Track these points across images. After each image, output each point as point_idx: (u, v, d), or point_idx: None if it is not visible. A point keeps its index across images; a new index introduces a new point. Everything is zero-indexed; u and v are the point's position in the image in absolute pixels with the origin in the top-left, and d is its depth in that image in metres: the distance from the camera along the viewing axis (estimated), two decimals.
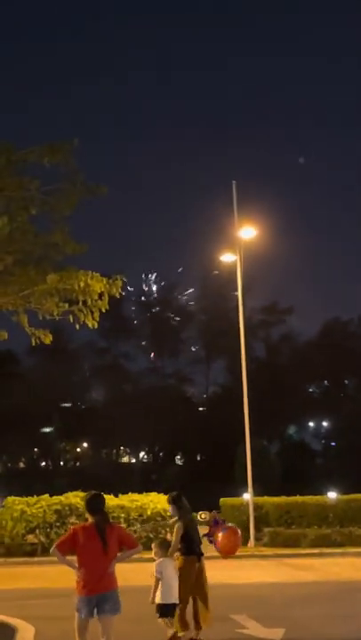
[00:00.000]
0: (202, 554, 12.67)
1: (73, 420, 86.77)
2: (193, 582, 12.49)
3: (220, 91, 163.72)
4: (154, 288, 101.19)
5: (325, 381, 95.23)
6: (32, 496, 26.29)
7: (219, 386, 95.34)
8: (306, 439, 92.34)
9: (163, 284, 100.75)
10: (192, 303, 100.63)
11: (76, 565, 9.33)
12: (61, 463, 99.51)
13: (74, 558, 9.52)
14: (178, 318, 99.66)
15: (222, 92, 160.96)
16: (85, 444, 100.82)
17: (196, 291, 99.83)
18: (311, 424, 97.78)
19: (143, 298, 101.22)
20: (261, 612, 14.29)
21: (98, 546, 9.08)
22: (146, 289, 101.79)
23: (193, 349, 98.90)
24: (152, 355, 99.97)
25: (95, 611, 9.20)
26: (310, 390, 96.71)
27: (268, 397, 64.80)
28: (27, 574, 20.72)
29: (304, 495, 28.87)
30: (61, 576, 20.14)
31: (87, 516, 9.66)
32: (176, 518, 12.41)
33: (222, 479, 63.46)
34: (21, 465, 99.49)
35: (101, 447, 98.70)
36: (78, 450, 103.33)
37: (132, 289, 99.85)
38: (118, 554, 9.42)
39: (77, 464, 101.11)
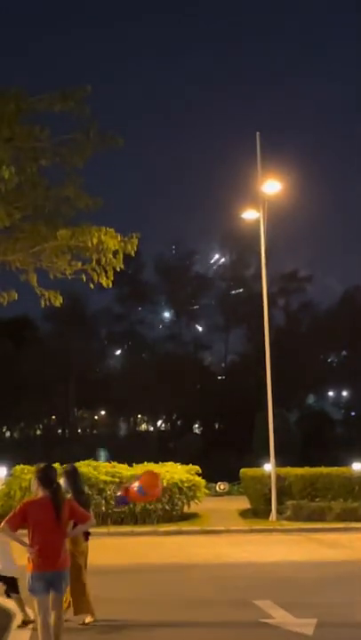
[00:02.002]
0: (89, 534, 11.28)
1: (90, 388, 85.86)
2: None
3: (248, 36, 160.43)
4: (173, 252, 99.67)
5: (345, 350, 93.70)
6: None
7: (237, 354, 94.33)
8: (325, 408, 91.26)
9: (181, 249, 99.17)
10: (218, 263, 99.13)
11: (27, 542, 8.73)
12: (78, 431, 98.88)
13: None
14: (196, 284, 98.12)
15: (250, 38, 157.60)
16: (103, 412, 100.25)
17: (215, 257, 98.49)
18: (331, 393, 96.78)
19: (160, 260, 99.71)
20: (288, 598, 12.80)
21: (52, 521, 8.54)
22: (164, 254, 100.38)
23: (213, 317, 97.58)
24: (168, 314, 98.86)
25: (49, 588, 8.64)
26: (330, 360, 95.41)
27: (287, 366, 63.68)
28: None
29: (324, 465, 27.54)
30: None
31: (36, 489, 8.97)
32: (70, 495, 10.96)
33: (241, 448, 62.54)
34: (38, 432, 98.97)
35: (118, 415, 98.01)
36: (95, 417, 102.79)
37: (150, 253, 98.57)
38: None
39: (94, 432, 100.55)
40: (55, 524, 8.58)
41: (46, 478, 8.96)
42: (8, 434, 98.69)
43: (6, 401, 78.68)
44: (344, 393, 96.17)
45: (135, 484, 13.02)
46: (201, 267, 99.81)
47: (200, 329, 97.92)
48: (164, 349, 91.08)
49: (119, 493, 14.82)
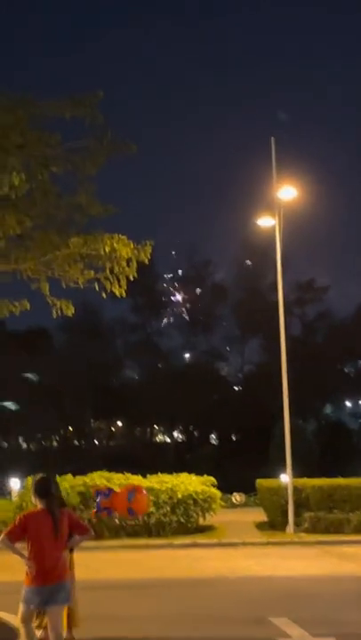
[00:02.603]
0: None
1: (106, 398, 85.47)
2: None
3: (262, 41, 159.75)
4: (186, 263, 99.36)
5: None
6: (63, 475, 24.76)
7: (254, 364, 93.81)
8: (342, 418, 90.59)
9: (196, 259, 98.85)
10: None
11: (26, 555, 8.55)
12: (95, 442, 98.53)
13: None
14: (212, 295, 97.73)
15: (266, 43, 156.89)
16: (119, 423, 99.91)
17: (230, 267, 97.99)
18: (348, 403, 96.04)
19: (179, 272, 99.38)
20: (306, 614, 12.32)
21: (49, 533, 8.39)
22: (179, 264, 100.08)
23: (227, 327, 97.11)
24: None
25: (46, 602, 8.46)
26: (347, 369, 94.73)
27: (303, 376, 63.19)
28: None
29: (343, 476, 27.08)
30: (79, 565, 18.47)
31: (35, 501, 8.87)
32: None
33: (257, 459, 62.08)
34: (54, 444, 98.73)
35: (135, 426, 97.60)
36: (112, 429, 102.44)
37: (165, 262, 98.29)
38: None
39: (111, 443, 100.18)
40: (53, 536, 8.41)
41: (42, 489, 8.83)
42: (24, 445, 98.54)
43: (22, 412, 78.60)
44: None
45: (125, 497, 12.63)
46: (216, 277, 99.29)
47: (216, 339, 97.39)
48: (180, 360, 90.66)
49: (99, 499, 14.34)
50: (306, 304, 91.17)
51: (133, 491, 16.24)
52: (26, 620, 8.61)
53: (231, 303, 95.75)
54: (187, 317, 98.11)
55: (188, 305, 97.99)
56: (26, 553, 8.58)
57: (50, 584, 8.36)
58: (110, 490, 14.59)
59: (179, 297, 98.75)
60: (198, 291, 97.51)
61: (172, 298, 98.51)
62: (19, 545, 8.71)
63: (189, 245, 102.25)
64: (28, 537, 8.53)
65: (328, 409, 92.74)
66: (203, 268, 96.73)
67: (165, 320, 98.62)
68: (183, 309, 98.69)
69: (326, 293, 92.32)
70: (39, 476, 9.13)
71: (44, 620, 9.59)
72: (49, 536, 8.38)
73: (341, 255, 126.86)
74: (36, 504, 8.83)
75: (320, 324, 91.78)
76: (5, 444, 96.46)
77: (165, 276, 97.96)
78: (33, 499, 8.90)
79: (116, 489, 23.38)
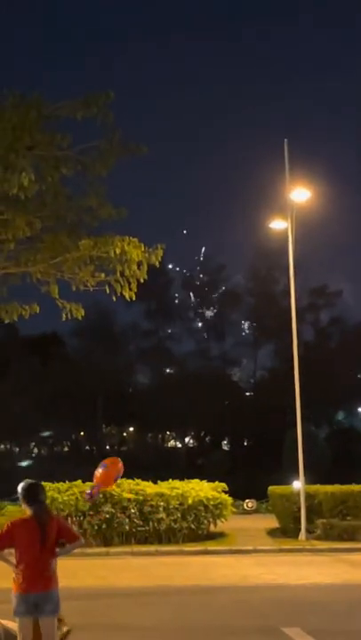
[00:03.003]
0: None
1: (118, 404, 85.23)
2: None
3: (275, 41, 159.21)
4: (203, 265, 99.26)
5: None
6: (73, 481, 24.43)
7: (266, 370, 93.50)
8: (355, 425, 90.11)
9: (210, 264, 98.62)
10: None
11: (14, 562, 8.28)
12: (107, 447, 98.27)
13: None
14: (225, 300, 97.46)
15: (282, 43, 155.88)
16: (131, 428, 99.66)
17: (243, 272, 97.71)
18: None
19: (188, 276, 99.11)
20: (319, 625, 11.96)
21: (37, 540, 8.16)
22: (192, 269, 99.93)
23: (242, 332, 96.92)
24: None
25: (32, 611, 8.21)
26: (360, 375, 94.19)
27: (316, 382, 62.85)
28: None
29: (355, 482, 26.63)
30: (89, 572, 18.32)
31: (24, 507, 8.60)
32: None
33: (270, 465, 61.76)
34: (66, 449, 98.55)
35: (147, 431, 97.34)
36: (124, 434, 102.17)
37: (178, 269, 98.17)
38: (57, 549, 8.48)
39: (123, 448, 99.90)
40: (40, 544, 8.19)
41: (29, 496, 8.56)
42: (36, 450, 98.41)
43: (35, 418, 78.42)
44: None
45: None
46: (229, 282, 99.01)
47: (229, 345, 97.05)
48: (193, 365, 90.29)
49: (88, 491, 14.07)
50: (319, 310, 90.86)
51: (118, 476, 15.75)
52: (23, 633, 8.34)
53: (244, 309, 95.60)
54: (199, 323, 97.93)
55: (200, 310, 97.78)
56: (14, 560, 8.36)
57: (35, 592, 8.14)
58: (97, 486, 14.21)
59: (191, 302, 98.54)
60: (211, 296, 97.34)
61: (185, 303, 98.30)
62: (6, 552, 8.49)
63: (201, 249, 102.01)
64: (15, 544, 8.33)
65: (340, 415, 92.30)
66: (216, 274, 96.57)
67: (178, 325, 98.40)
68: (196, 315, 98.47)
69: (339, 298, 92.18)
70: (27, 481, 8.83)
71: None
72: (36, 544, 8.18)
73: (355, 259, 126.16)
74: (25, 510, 8.58)
75: (333, 329, 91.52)
76: (17, 450, 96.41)
77: (178, 280, 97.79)
78: (22, 505, 8.65)
79: (125, 495, 23.15)
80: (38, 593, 8.09)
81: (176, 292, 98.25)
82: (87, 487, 21.55)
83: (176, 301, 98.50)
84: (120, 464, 12.46)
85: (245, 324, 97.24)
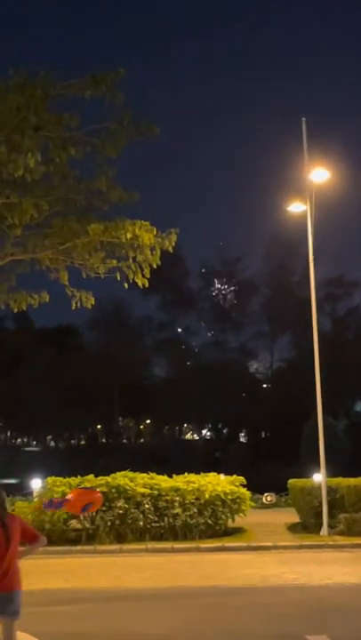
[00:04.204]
0: None
1: (134, 396, 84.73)
2: None
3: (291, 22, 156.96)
4: (220, 255, 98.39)
5: None
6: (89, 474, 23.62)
7: (284, 361, 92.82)
8: None
9: (227, 255, 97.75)
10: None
11: None
12: (124, 440, 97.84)
13: None
14: (242, 291, 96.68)
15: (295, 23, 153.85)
16: (148, 421, 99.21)
17: (260, 262, 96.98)
18: None
19: (204, 267, 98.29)
20: (347, 631, 10.95)
21: (2, 541, 7.75)
22: (207, 259, 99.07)
23: (258, 323, 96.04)
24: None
25: None
26: None
27: (334, 373, 62.09)
28: (65, 568, 17.86)
29: None
30: (101, 572, 17.51)
31: None
32: None
33: (288, 457, 61.13)
34: (82, 442, 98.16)
35: (164, 424, 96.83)
36: (141, 427, 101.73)
37: (193, 257, 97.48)
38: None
39: (141, 441, 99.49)
40: (4, 545, 7.72)
41: None
42: (52, 444, 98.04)
43: (51, 410, 78.00)
44: None
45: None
46: (245, 274, 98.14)
47: (246, 336, 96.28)
48: (210, 357, 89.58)
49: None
50: (336, 300, 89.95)
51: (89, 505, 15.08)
52: None
53: (261, 299, 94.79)
54: (216, 314, 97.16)
55: (217, 301, 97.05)
56: None
57: None
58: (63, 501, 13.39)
59: (208, 293, 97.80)
60: (228, 287, 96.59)
61: (201, 294, 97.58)
62: None
63: (218, 238, 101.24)
64: None
65: (359, 406, 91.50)
66: (233, 265, 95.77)
67: (194, 317, 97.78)
68: (212, 306, 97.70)
69: (357, 287, 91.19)
70: None
71: None
72: (1, 545, 7.70)
73: None
74: None
75: (350, 320, 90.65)
76: (34, 443, 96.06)
77: (194, 270, 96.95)
78: None
79: (139, 490, 22.30)
80: (2, 593, 7.68)
81: (192, 283, 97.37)
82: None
83: (192, 292, 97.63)
84: (97, 494, 11.64)
85: (262, 315, 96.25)
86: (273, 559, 18.97)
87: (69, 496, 10.92)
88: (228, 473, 25.81)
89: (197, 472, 24.80)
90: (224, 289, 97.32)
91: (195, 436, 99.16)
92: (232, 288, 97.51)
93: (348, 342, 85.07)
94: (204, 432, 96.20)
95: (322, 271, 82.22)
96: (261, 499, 32.29)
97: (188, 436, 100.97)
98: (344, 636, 10.74)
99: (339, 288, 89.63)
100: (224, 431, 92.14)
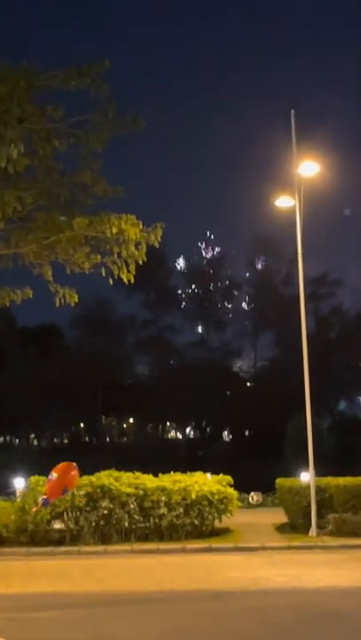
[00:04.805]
0: None
1: (118, 395, 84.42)
2: None
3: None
4: (203, 254, 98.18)
5: None
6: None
7: (267, 360, 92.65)
8: (357, 414, 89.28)
9: (211, 253, 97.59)
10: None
11: None
12: (107, 439, 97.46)
13: None
14: (225, 290, 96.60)
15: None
16: (131, 420, 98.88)
17: (243, 263, 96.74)
18: None
19: (188, 265, 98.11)
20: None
21: None
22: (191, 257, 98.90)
23: (242, 322, 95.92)
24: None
25: None
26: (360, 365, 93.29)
27: (317, 372, 61.87)
28: (47, 570, 17.35)
29: (357, 473, 25.27)
30: (86, 574, 17.05)
31: None
32: None
33: (272, 456, 60.78)
34: (65, 441, 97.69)
35: (147, 423, 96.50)
36: (124, 425, 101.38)
37: (177, 254, 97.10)
38: None
39: (124, 439, 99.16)
40: None
41: None
42: (35, 442, 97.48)
43: (33, 409, 77.60)
44: None
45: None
46: (229, 272, 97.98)
47: (229, 335, 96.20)
48: (193, 355, 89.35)
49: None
50: (320, 299, 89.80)
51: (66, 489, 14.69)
52: None
53: (245, 298, 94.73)
54: (200, 313, 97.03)
55: (200, 300, 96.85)
56: None
57: None
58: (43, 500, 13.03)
59: (191, 292, 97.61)
60: (212, 286, 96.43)
61: (185, 292, 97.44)
62: None
63: (202, 234, 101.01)
64: None
65: (342, 405, 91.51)
66: (217, 263, 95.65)
67: (177, 316, 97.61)
68: (196, 304, 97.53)
69: (340, 287, 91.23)
70: None
71: None
72: None
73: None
74: None
75: (334, 318, 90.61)
76: (17, 441, 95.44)
77: (178, 269, 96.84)
78: None
79: (124, 489, 21.87)
80: None
81: (175, 282, 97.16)
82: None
83: (175, 291, 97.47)
84: (73, 472, 11.27)
85: (246, 314, 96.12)
86: (261, 561, 18.57)
87: (54, 475, 10.64)
88: (212, 472, 25.46)
89: (182, 471, 24.42)
90: (208, 287, 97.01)
91: (178, 434, 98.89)
92: (216, 286, 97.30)
93: (331, 341, 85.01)
94: (187, 431, 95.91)
95: (306, 269, 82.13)
96: (247, 498, 31.87)
97: (172, 434, 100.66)
98: None
99: (323, 287, 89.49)
100: (207, 430, 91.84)
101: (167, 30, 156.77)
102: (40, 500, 13.00)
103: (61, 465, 12.33)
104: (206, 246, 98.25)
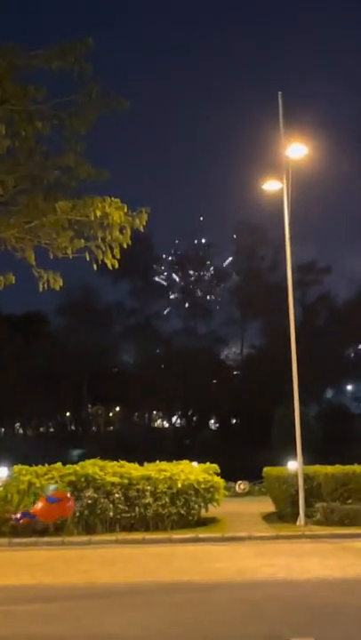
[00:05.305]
0: None
1: (104, 383, 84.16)
2: None
3: None
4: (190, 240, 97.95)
5: None
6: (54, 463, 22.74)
7: (254, 348, 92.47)
8: (344, 403, 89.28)
9: (197, 240, 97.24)
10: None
11: None
12: (93, 428, 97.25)
13: None
14: (211, 278, 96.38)
15: None
16: (117, 408, 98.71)
17: (230, 250, 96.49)
18: (349, 387, 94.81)
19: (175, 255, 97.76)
20: (334, 633, 10.10)
21: None
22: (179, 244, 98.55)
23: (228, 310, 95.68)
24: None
25: None
26: (347, 353, 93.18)
27: (304, 360, 61.55)
28: (30, 562, 16.96)
29: (347, 462, 24.94)
30: (69, 566, 16.67)
31: None
32: None
33: (258, 444, 60.71)
34: (51, 429, 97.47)
35: (133, 411, 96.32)
36: (110, 414, 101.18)
37: (163, 243, 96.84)
38: None
39: (110, 428, 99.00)
40: None
41: None
42: (21, 431, 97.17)
43: (18, 397, 77.24)
44: None
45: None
46: (215, 260, 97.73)
47: (215, 323, 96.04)
48: (179, 344, 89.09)
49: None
50: (307, 286, 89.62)
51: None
52: None
53: (231, 285, 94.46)
54: (186, 300, 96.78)
55: (187, 287, 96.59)
56: None
57: None
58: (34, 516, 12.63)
59: (178, 279, 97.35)
60: (198, 273, 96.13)
61: (171, 280, 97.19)
62: None
63: (189, 222, 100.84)
64: None
65: (329, 393, 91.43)
66: (203, 250, 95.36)
67: (163, 304, 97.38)
68: (182, 292, 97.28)
69: (328, 274, 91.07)
70: None
71: None
72: None
73: (347, 230, 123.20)
74: None
75: (321, 306, 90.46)
76: (2, 430, 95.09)
77: (164, 257, 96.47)
78: None
79: (109, 478, 21.53)
80: None
81: (161, 269, 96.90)
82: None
83: (162, 279, 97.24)
84: (70, 502, 10.87)
85: (232, 302, 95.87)
86: (249, 551, 18.23)
87: (39, 506, 10.30)
88: (199, 460, 25.16)
89: (168, 460, 24.11)
90: (194, 275, 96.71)
91: (164, 423, 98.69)
92: (202, 274, 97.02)
93: (318, 328, 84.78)
94: (173, 419, 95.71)
95: (293, 256, 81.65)
96: (234, 487, 31.60)
97: (158, 423, 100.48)
98: (329, 636, 9.89)
99: (310, 274, 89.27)
100: (194, 418, 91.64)
101: (153, 14, 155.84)
102: (20, 514, 12.63)
103: (63, 493, 11.94)
104: (192, 233, 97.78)
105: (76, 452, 62.69)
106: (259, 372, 78.75)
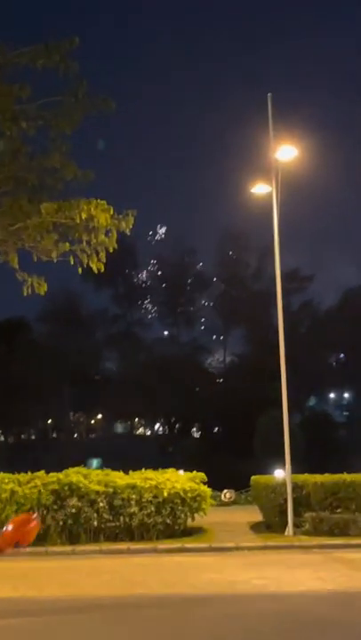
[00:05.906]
0: None
1: (86, 391, 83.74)
2: None
3: None
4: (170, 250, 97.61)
5: (345, 352, 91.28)
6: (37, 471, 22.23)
7: (237, 356, 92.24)
8: (327, 411, 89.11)
9: (180, 245, 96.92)
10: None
11: None
12: (75, 435, 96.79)
13: None
14: (194, 285, 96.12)
15: None
16: (99, 416, 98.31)
17: (213, 256, 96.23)
18: (332, 395, 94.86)
19: (156, 262, 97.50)
20: None
21: None
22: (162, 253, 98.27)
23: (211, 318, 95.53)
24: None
25: None
26: (330, 361, 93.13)
27: (287, 368, 61.28)
28: (12, 573, 16.38)
29: (333, 470, 24.59)
30: (52, 577, 16.18)
31: None
32: None
33: (241, 453, 60.30)
34: (32, 437, 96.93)
35: (116, 419, 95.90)
36: (92, 421, 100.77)
37: (147, 249, 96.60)
38: None
39: (92, 436, 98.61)
40: None
41: None
42: (2, 438, 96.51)
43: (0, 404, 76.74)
44: (346, 394, 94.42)
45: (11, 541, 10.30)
46: (199, 267, 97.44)
47: (198, 330, 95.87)
48: (162, 351, 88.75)
49: None
50: (291, 294, 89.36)
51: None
52: None
53: (214, 292, 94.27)
54: (169, 307, 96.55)
55: (170, 294, 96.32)
56: None
57: None
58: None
59: (161, 285, 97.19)
60: (182, 279, 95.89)
61: (155, 286, 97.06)
62: None
63: (174, 226, 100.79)
64: None
65: (312, 401, 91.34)
66: (187, 256, 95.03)
67: (147, 310, 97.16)
68: (166, 299, 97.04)
69: (311, 282, 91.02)
70: None
71: None
72: None
73: (331, 239, 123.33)
74: None
75: (303, 314, 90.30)
76: None
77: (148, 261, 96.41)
78: None
79: (94, 487, 21.07)
80: None
81: (144, 275, 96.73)
82: None
83: (144, 285, 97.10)
84: (32, 524, 10.40)
85: (215, 309, 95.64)
86: (237, 562, 17.80)
87: (9, 527, 9.78)
88: (182, 469, 24.79)
89: (152, 468, 23.68)
90: (177, 281, 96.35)
91: (147, 431, 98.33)
92: (185, 281, 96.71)
93: (301, 336, 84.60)
94: (156, 427, 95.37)
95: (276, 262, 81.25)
96: (220, 495, 31.19)
97: (140, 431, 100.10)
98: None
99: (294, 282, 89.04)
100: (176, 426, 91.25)
101: (141, 14, 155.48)
102: None
103: (20, 517, 11.40)
104: (177, 238, 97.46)
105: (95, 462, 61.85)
106: (242, 380, 78.47)
